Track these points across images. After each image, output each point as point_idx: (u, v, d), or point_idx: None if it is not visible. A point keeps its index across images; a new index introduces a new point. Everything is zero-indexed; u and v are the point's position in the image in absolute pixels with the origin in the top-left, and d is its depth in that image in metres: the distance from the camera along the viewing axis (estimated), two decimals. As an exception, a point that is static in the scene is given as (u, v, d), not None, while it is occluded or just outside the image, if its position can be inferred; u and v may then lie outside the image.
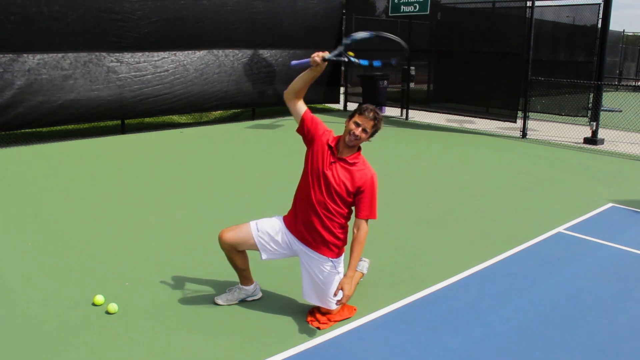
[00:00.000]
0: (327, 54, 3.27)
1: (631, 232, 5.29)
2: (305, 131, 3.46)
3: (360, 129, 3.30)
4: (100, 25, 9.26)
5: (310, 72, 3.34)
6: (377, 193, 3.39)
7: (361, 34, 3.36)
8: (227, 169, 7.53)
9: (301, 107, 3.48)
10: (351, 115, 3.39)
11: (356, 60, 3.34)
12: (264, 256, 3.52)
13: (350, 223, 3.49)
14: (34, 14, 8.51)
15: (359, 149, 3.45)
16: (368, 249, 4.49)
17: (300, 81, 3.38)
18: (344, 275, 3.35)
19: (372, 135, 3.39)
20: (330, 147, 3.39)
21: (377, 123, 3.36)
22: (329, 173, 3.34)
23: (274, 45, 12.00)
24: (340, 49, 3.35)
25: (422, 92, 13.82)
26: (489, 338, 3.33)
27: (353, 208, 3.46)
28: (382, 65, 3.47)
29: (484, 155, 8.94)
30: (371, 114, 3.31)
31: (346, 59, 3.35)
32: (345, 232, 3.47)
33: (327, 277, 3.43)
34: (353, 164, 3.36)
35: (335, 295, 3.33)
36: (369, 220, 3.41)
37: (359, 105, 3.43)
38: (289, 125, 10.69)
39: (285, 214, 3.59)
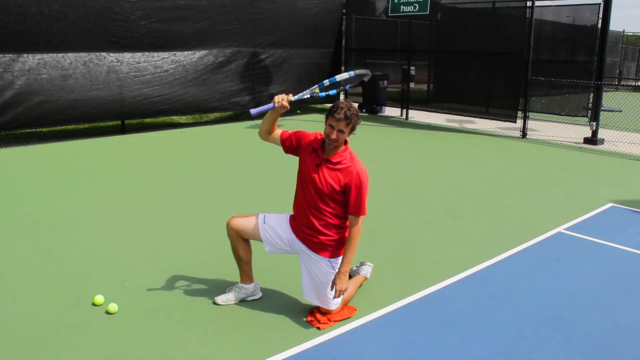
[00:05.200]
0: (291, 97, 3.34)
1: (631, 232, 5.29)
2: (290, 149, 3.53)
3: (335, 131, 3.26)
4: (100, 25, 9.27)
5: (273, 112, 3.41)
6: (365, 189, 3.35)
7: (342, 76, 3.45)
8: (227, 169, 7.53)
9: (276, 134, 3.54)
10: (326, 115, 3.32)
11: (317, 94, 3.44)
12: (267, 249, 3.58)
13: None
14: (34, 14, 8.52)
15: (346, 142, 3.42)
16: (369, 249, 4.51)
17: (266, 123, 3.48)
18: (337, 271, 3.37)
19: (351, 131, 3.33)
20: (315, 150, 3.41)
21: (351, 121, 3.26)
22: (315, 176, 3.35)
23: (273, 45, 12.00)
24: (313, 89, 3.42)
25: (422, 92, 13.82)
26: (489, 338, 3.33)
27: None
28: (337, 93, 3.58)
29: (484, 155, 8.94)
30: (341, 114, 3.22)
31: (308, 96, 3.44)
32: (342, 233, 3.46)
33: (325, 277, 3.44)
34: (338, 163, 3.35)
35: (331, 289, 3.37)
36: (364, 217, 3.39)
37: (332, 105, 3.36)
38: (288, 125, 10.67)
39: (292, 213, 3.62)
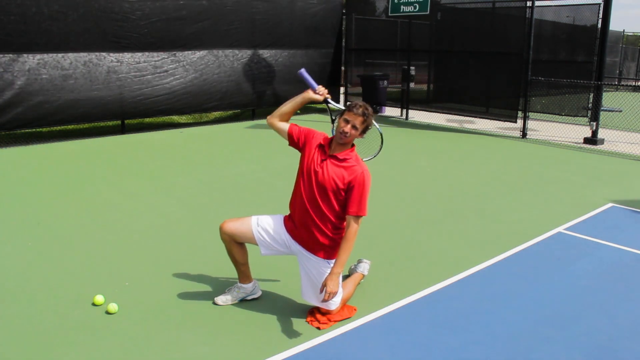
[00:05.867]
0: (329, 97, 3.63)
1: (631, 232, 5.29)
2: (297, 142, 3.53)
3: (349, 125, 3.30)
4: (100, 25, 9.26)
5: (304, 98, 3.57)
6: (368, 190, 3.36)
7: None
8: (227, 169, 7.53)
9: (284, 124, 3.57)
10: (341, 112, 3.42)
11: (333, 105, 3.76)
12: (262, 251, 3.57)
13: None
14: (34, 14, 8.52)
15: (352, 145, 3.44)
16: (368, 249, 4.51)
17: (290, 105, 3.55)
18: (330, 272, 3.34)
19: (363, 132, 3.40)
20: (321, 146, 3.42)
21: (367, 119, 3.34)
22: (319, 170, 3.36)
23: (273, 45, 12.00)
24: (335, 104, 3.77)
25: (422, 92, 13.81)
26: (489, 338, 3.33)
27: None
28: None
29: (483, 155, 8.93)
30: (360, 110, 3.31)
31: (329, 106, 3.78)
32: (339, 234, 3.45)
33: (323, 278, 3.41)
34: (344, 160, 3.36)
35: (320, 292, 3.32)
36: (363, 218, 3.39)
37: (349, 103, 3.44)
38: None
39: (288, 213, 3.60)
